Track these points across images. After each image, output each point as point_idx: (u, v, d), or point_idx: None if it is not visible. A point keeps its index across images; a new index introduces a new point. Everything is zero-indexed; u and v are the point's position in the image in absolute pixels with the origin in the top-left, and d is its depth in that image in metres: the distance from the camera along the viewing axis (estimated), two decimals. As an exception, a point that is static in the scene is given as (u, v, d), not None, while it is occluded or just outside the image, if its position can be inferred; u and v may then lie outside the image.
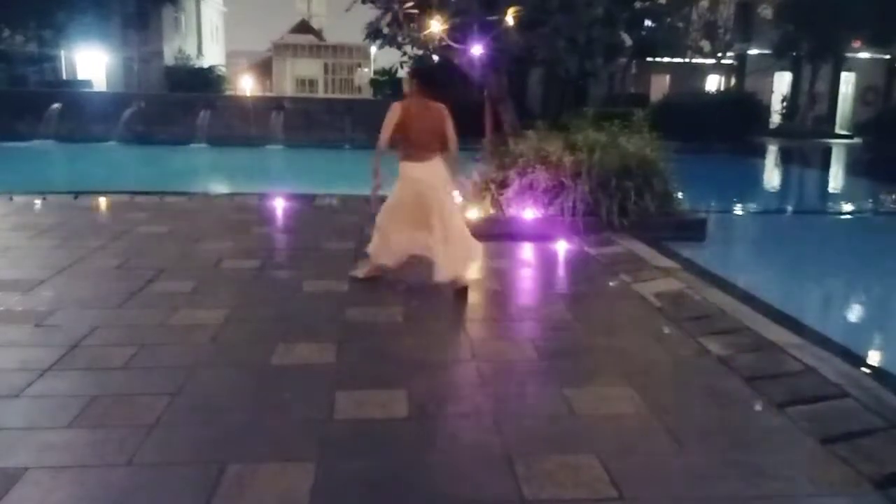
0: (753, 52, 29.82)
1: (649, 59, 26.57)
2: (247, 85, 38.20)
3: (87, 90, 26.22)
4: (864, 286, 7.18)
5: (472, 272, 5.39)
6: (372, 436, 2.99)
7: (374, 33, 10.38)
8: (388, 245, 5.16)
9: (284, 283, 5.38)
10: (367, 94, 33.60)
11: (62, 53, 29.04)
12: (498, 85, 9.22)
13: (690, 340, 4.21)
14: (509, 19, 8.18)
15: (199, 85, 27.92)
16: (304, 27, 53.07)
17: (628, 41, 21.87)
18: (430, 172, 4.99)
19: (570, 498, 2.58)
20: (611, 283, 5.50)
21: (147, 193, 9.30)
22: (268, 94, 36.89)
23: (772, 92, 29.50)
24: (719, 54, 29.75)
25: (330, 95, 38.22)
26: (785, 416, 3.24)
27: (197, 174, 16.84)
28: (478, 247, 5.19)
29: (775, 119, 27.89)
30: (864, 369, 3.90)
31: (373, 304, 4.80)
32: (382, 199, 5.19)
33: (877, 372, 3.95)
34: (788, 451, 2.94)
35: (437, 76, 5.33)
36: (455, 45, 8.71)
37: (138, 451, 2.83)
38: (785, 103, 29.11)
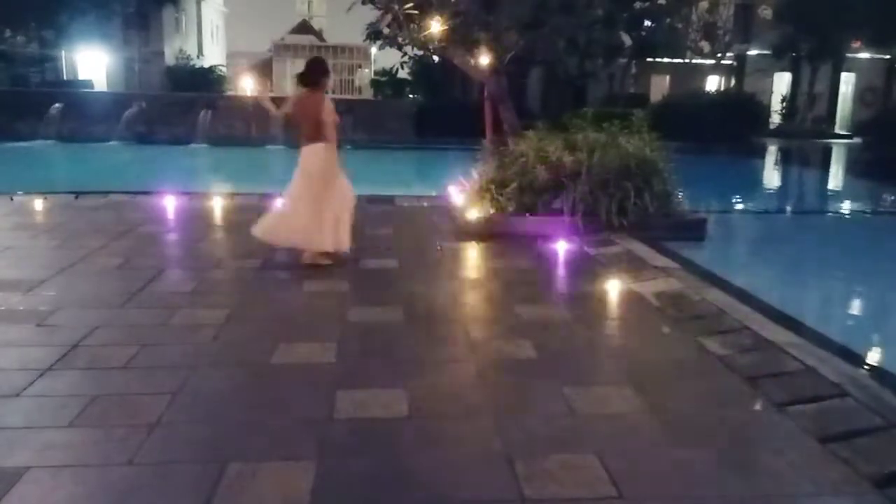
0: (753, 52, 29.84)
1: (649, 59, 26.61)
2: (247, 85, 38.19)
3: (88, 90, 26.24)
4: (864, 286, 7.17)
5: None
6: (372, 436, 3.00)
7: (374, 34, 10.41)
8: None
9: (284, 283, 5.38)
10: (368, 94, 33.58)
11: (63, 54, 29.08)
12: (498, 85, 9.22)
13: (690, 340, 4.21)
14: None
15: (199, 85, 27.94)
16: (304, 28, 53.15)
17: (628, 42, 21.91)
18: None
19: (571, 497, 2.59)
20: (610, 283, 5.50)
21: (147, 193, 9.31)
22: (268, 94, 36.86)
23: (771, 92, 29.49)
24: (719, 55, 29.76)
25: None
26: (785, 415, 3.24)
27: (197, 174, 16.84)
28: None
29: (775, 119, 27.87)
30: (863, 369, 3.90)
31: (373, 304, 4.81)
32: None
33: (877, 372, 3.95)
34: (788, 451, 2.94)
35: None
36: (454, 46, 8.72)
37: (139, 450, 2.83)
38: (784, 104, 29.09)
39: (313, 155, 5.64)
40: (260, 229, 5.77)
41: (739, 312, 4.59)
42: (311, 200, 5.61)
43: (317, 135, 5.62)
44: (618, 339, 4.36)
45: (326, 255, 5.73)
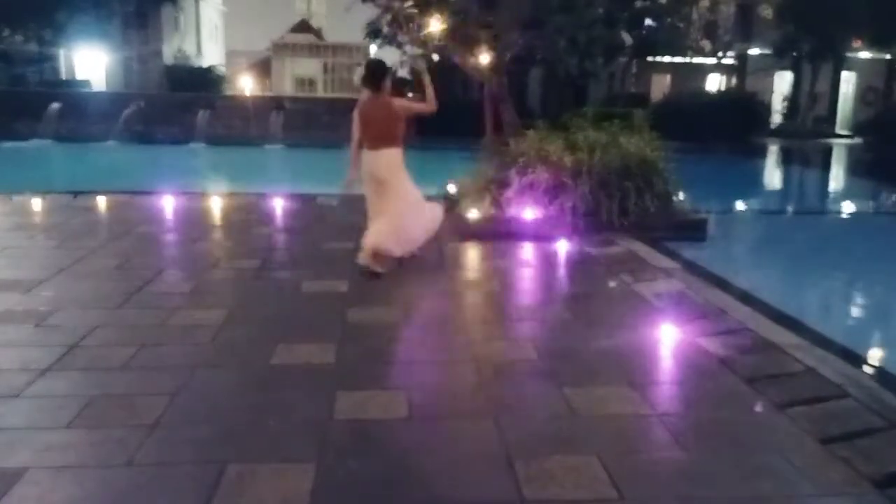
0: (754, 51, 29.80)
1: (650, 58, 26.59)
2: (246, 85, 38.23)
3: (86, 90, 26.22)
4: (865, 286, 7.17)
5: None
6: (372, 436, 2.99)
7: (373, 33, 10.41)
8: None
9: (284, 283, 5.37)
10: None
11: (61, 53, 29.05)
12: (498, 85, 9.22)
13: (690, 341, 4.21)
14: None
15: (198, 85, 27.91)
16: (303, 27, 53.12)
17: (629, 41, 21.89)
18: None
19: (571, 498, 2.58)
20: (611, 284, 5.49)
21: (147, 193, 9.30)
22: (267, 93, 36.89)
23: (772, 92, 29.46)
24: (720, 54, 29.75)
25: (330, 95, 38.23)
26: (785, 416, 3.24)
27: (196, 174, 16.83)
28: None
29: (776, 119, 27.83)
30: (864, 369, 3.90)
31: (373, 304, 4.80)
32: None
33: (877, 372, 3.95)
34: (788, 451, 2.93)
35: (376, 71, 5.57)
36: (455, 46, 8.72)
37: (138, 451, 2.83)
38: (785, 103, 29.07)
39: (384, 159, 5.40)
40: (372, 243, 5.44)
41: (740, 313, 4.59)
42: (406, 201, 5.49)
43: (385, 139, 5.39)
44: (618, 339, 4.35)
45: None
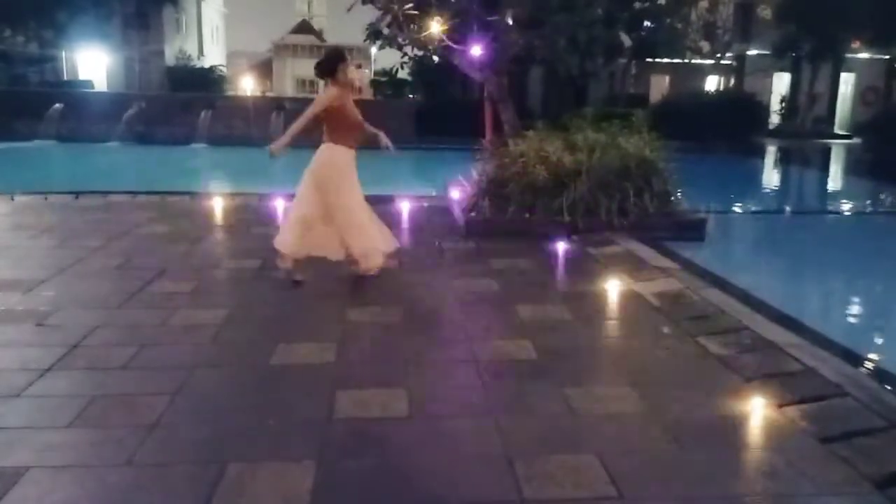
0: (753, 52, 29.80)
1: (649, 59, 26.57)
2: (247, 85, 38.28)
3: (87, 90, 26.24)
4: (864, 286, 7.17)
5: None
6: (372, 436, 3.00)
7: (374, 34, 10.39)
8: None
9: (284, 283, 5.37)
10: (368, 94, 33.61)
11: (63, 53, 29.06)
12: (498, 85, 9.22)
13: (690, 340, 4.21)
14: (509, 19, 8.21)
15: (199, 85, 27.92)
16: (304, 28, 53.23)
17: (628, 41, 21.88)
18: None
19: (571, 498, 2.58)
20: (610, 283, 5.50)
21: (147, 193, 9.31)
22: (268, 94, 36.92)
23: (771, 92, 29.47)
24: (719, 55, 29.75)
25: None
26: (785, 416, 3.24)
27: (197, 174, 16.84)
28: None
29: (774, 119, 27.85)
30: (864, 369, 3.90)
31: (373, 304, 4.81)
32: None
33: (877, 372, 3.95)
34: (788, 451, 2.94)
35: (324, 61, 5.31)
36: (455, 46, 8.72)
37: (138, 450, 2.83)
38: (784, 104, 29.08)
39: (326, 154, 5.25)
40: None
41: (739, 312, 4.59)
42: (357, 203, 5.31)
43: (328, 133, 5.22)
44: (618, 339, 4.36)
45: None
